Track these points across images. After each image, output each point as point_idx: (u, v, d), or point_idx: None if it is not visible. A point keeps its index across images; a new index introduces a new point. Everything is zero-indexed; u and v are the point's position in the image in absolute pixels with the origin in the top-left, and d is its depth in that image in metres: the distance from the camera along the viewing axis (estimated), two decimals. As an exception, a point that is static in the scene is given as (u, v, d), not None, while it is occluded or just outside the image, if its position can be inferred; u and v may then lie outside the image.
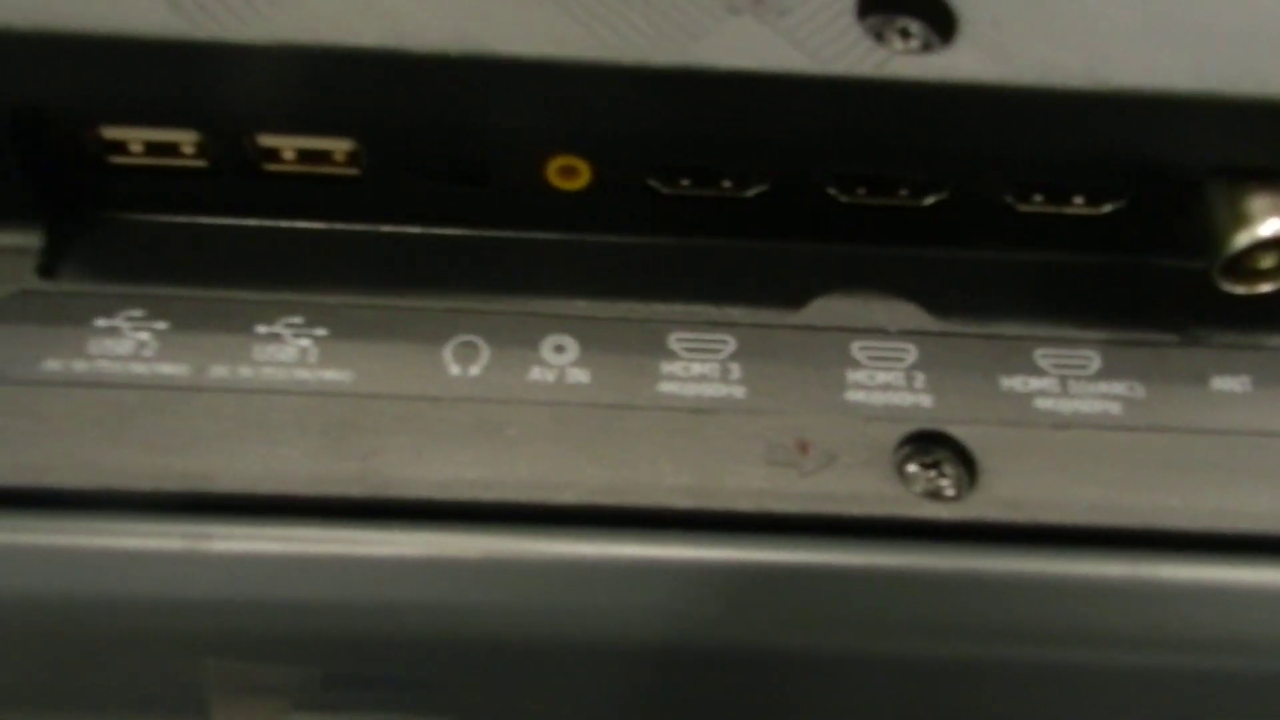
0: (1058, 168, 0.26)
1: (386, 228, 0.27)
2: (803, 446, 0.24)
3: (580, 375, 0.25)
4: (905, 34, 0.25)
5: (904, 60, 0.23)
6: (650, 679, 0.23)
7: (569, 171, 0.26)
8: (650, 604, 0.22)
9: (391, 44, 0.23)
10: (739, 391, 0.25)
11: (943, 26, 0.24)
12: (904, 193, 0.27)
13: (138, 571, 0.22)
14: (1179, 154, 0.25)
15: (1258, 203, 0.25)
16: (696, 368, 0.25)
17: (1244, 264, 0.25)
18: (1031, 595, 0.23)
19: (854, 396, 0.25)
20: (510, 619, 0.22)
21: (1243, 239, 0.25)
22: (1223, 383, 0.26)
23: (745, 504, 0.23)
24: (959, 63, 0.23)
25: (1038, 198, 0.27)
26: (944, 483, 0.24)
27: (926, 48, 0.24)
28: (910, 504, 0.24)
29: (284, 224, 0.27)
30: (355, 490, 0.23)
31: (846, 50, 0.23)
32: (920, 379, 0.26)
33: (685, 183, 0.26)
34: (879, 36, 0.24)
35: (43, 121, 0.24)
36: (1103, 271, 0.27)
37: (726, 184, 0.27)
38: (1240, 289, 0.26)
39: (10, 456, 0.23)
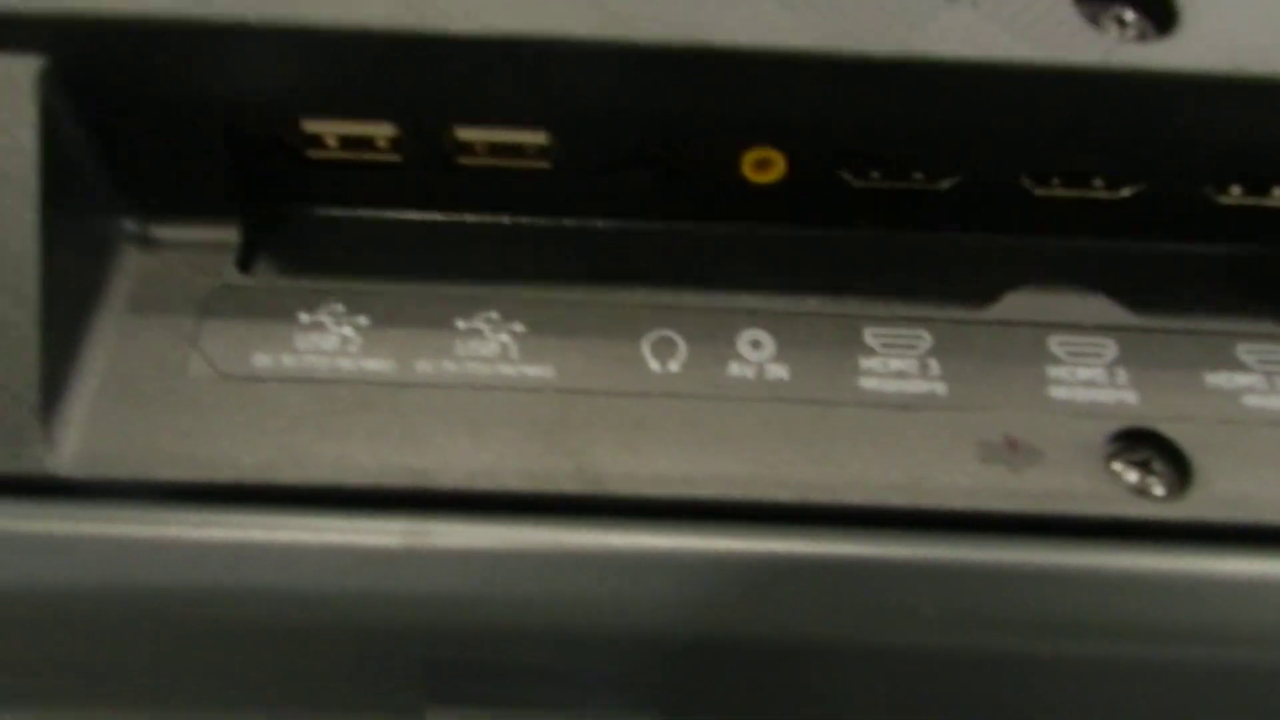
0: (1263, 158, 0.25)
1: (577, 221, 0.27)
2: (1012, 444, 0.24)
3: (779, 371, 0.25)
4: (1121, 22, 0.24)
5: (1131, 49, 0.22)
6: (871, 677, 0.23)
7: (763, 164, 0.26)
8: (869, 602, 0.22)
9: (604, 35, 0.23)
10: (940, 388, 0.25)
11: (1158, 15, 0.24)
12: (1100, 184, 0.26)
13: (356, 567, 0.22)
14: None
15: None
16: (895, 363, 0.25)
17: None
18: (1255, 597, 0.23)
19: (1057, 393, 0.25)
20: (728, 616, 0.22)
21: None
22: None
23: (959, 501, 0.23)
24: (1188, 52, 0.22)
25: (1235, 189, 0.26)
26: (1152, 481, 0.24)
27: (1142, 36, 0.24)
28: (1125, 503, 0.23)
29: (475, 218, 0.27)
30: (571, 487, 0.23)
31: (1069, 39, 0.23)
32: (1122, 375, 0.25)
33: (876, 175, 0.26)
34: (1095, 25, 0.24)
35: (249, 116, 0.24)
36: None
37: (918, 176, 0.26)
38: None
39: (231, 452, 0.23)
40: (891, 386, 0.25)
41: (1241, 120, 0.24)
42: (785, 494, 0.23)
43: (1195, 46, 0.23)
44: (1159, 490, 0.24)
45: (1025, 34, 0.23)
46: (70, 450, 0.23)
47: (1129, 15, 0.24)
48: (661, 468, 0.23)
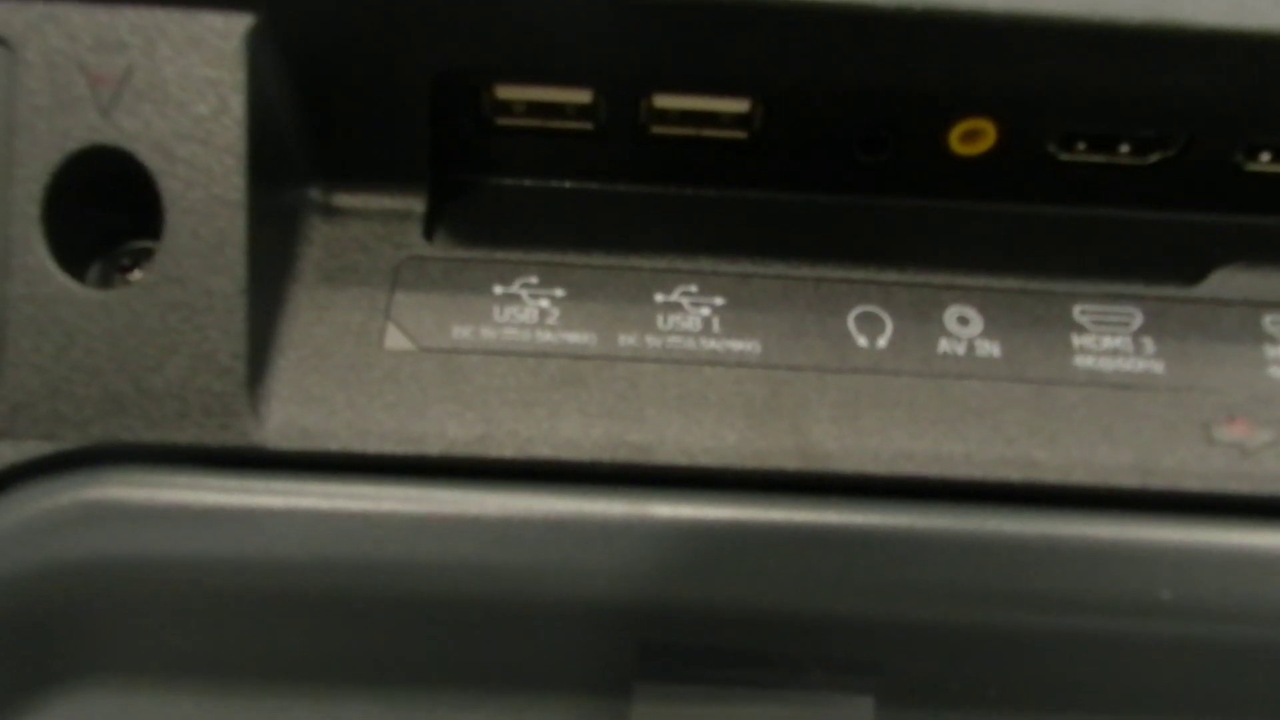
0: None
1: (774, 194, 0.26)
2: (1239, 425, 0.23)
3: (990, 348, 0.24)
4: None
5: None
6: (1109, 661, 0.22)
7: (973, 135, 0.25)
8: (1104, 585, 0.21)
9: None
10: (1157, 366, 0.24)
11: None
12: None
13: (578, 542, 0.21)
14: None
15: None
16: (1108, 341, 0.24)
17: None
18: None
19: (1276, 372, 0.24)
20: (957, 597, 0.21)
21: None
22: None
23: (1193, 483, 0.22)
24: None
25: None
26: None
27: None
28: None
29: (668, 190, 0.26)
30: (794, 464, 0.22)
31: None
32: (1346, 351, 0.24)
33: (1083, 147, 0.25)
34: None
35: (454, 84, 0.24)
36: None
37: (1124, 149, 0.25)
38: None
39: (439, 426, 0.22)
40: (1108, 365, 0.24)
41: None
42: (1015, 474, 0.22)
43: None
44: None
45: (1277, -3, 0.22)
46: (276, 423, 0.22)
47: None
48: (882, 445, 0.22)
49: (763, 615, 0.21)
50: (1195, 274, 0.25)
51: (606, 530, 0.21)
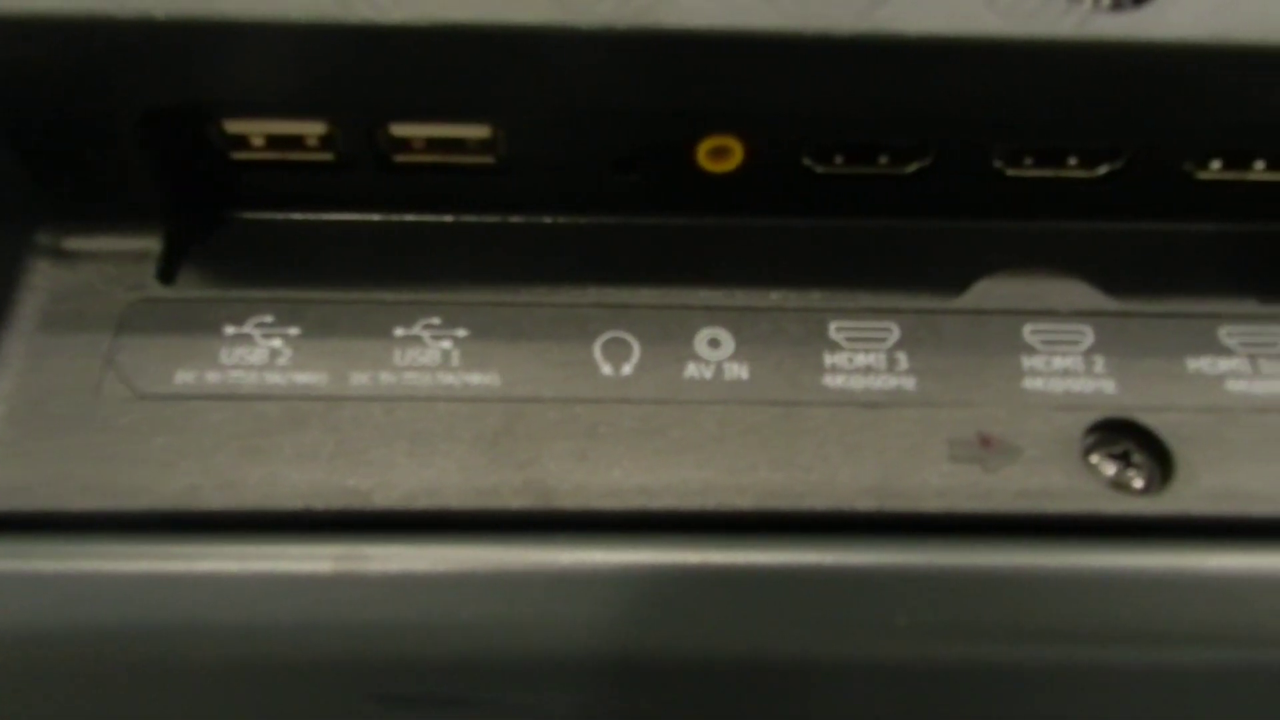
0: (1244, 130, 0.24)
1: (522, 218, 0.25)
2: (985, 440, 0.23)
3: (739, 370, 0.24)
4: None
5: (1105, 19, 0.21)
6: (841, 690, 0.21)
7: (721, 152, 0.24)
8: (836, 614, 0.21)
9: (547, 20, 0.21)
10: (909, 383, 0.24)
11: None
12: (1074, 162, 0.25)
13: (288, 596, 0.20)
14: None
15: None
16: (861, 358, 0.24)
17: None
18: (1242, 593, 0.22)
19: (1032, 384, 0.24)
20: (690, 634, 0.21)
21: None
22: None
23: (932, 504, 0.22)
24: (1163, 21, 0.21)
25: (1215, 164, 0.25)
26: (1132, 474, 0.23)
27: (1117, 6, 0.22)
28: (1103, 498, 0.22)
29: (416, 218, 0.25)
30: (518, 502, 0.21)
31: (1041, 11, 0.21)
32: (1100, 363, 0.24)
33: (840, 160, 0.25)
34: None
35: (168, 118, 0.23)
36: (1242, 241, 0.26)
37: (884, 160, 0.25)
38: None
39: (148, 478, 0.21)
40: (858, 383, 0.24)
41: (1220, 91, 0.22)
42: (746, 501, 0.22)
43: (1170, 15, 0.21)
44: (1138, 483, 0.22)
45: (995, 6, 0.21)
46: (-22, 481, 0.21)
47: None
48: (614, 478, 0.22)
49: (488, 663, 0.21)
50: (959, 285, 0.25)
51: (312, 583, 0.20)
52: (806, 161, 0.25)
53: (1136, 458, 0.23)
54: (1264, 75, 0.22)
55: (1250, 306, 0.25)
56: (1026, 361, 0.24)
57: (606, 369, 0.23)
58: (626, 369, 0.23)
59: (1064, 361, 0.24)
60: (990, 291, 0.25)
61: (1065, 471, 0.22)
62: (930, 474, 0.22)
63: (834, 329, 0.24)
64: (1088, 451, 0.23)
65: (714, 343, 0.24)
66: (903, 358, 0.24)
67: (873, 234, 0.25)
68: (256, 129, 0.24)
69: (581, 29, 0.21)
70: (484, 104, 0.23)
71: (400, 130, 0.24)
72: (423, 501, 0.21)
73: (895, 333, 0.24)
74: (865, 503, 0.22)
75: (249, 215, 0.25)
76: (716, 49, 0.21)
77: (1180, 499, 0.22)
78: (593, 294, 0.24)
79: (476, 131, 0.24)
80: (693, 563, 0.21)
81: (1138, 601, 0.21)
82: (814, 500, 0.22)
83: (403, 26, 0.21)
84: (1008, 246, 0.25)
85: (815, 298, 0.25)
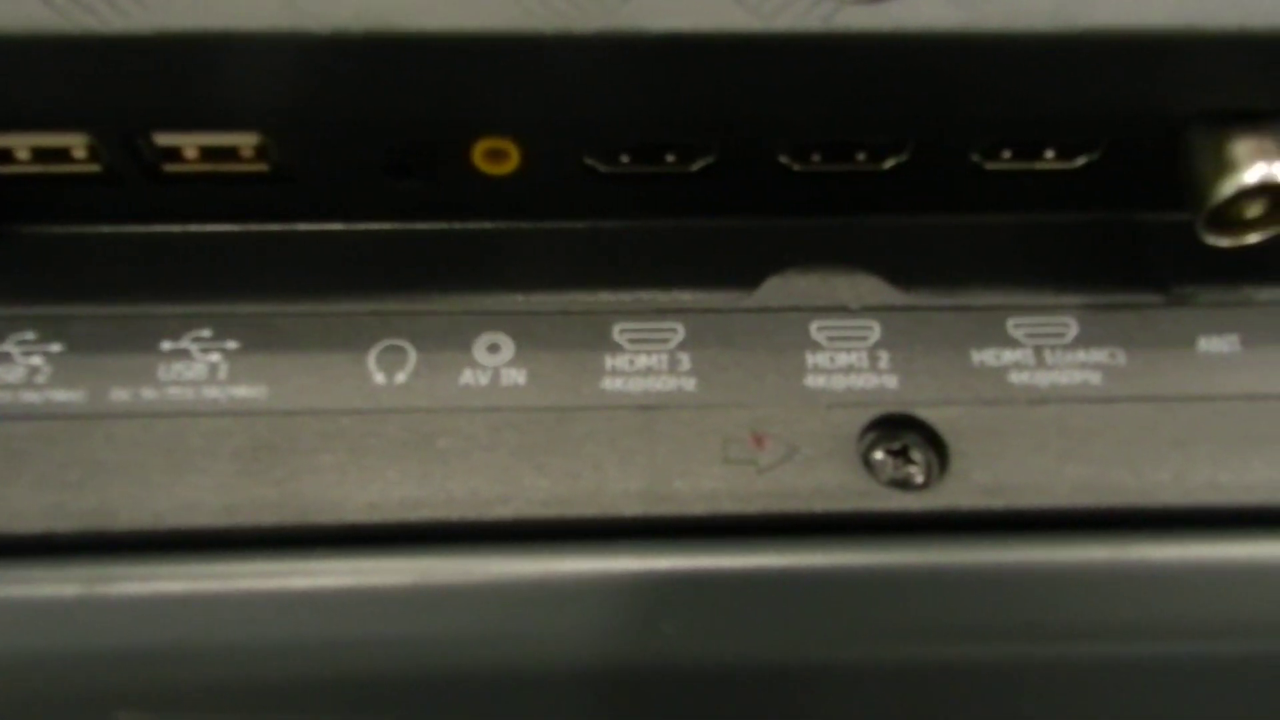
0: (1026, 120, 0.24)
1: (300, 226, 0.25)
2: (759, 440, 0.22)
3: (516, 376, 0.23)
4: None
5: (855, 11, 0.21)
6: (606, 704, 0.21)
7: (497, 155, 0.24)
8: (603, 623, 0.21)
9: (290, 25, 0.21)
10: (689, 384, 0.23)
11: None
12: (862, 157, 0.25)
13: (30, 621, 0.20)
14: (1156, 98, 0.23)
15: (1241, 147, 0.23)
16: (643, 360, 0.24)
17: (1229, 214, 0.23)
18: (1014, 587, 0.21)
19: (814, 381, 0.23)
20: (447, 648, 0.20)
21: (1227, 187, 0.23)
22: (1210, 344, 0.24)
23: (699, 508, 0.22)
24: (916, 9, 0.21)
25: (1006, 154, 0.25)
26: (913, 469, 0.22)
27: None
28: (877, 496, 0.22)
29: (188, 228, 0.25)
30: (270, 519, 0.21)
31: (788, 4, 0.21)
32: (885, 358, 0.24)
33: (625, 159, 0.24)
34: None
35: None
36: (1078, 231, 0.25)
37: (670, 158, 0.25)
38: (1226, 241, 0.24)
39: None
40: (637, 385, 0.23)
41: (987, 80, 0.22)
42: (508, 511, 0.21)
43: (920, 6, 0.21)
44: (920, 479, 0.22)
45: (744, 2, 0.21)
46: None
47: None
48: (376, 492, 0.21)
49: (231, 685, 0.20)
50: (748, 284, 0.25)
51: (56, 608, 0.20)
52: (589, 162, 0.24)
53: (915, 454, 0.23)
54: (1012, 64, 0.21)
55: (1040, 297, 0.25)
56: (811, 359, 0.24)
57: (379, 378, 0.23)
58: (400, 377, 0.23)
59: (848, 358, 0.24)
60: (780, 289, 0.25)
61: (840, 469, 0.22)
62: (701, 476, 0.22)
63: (618, 331, 0.24)
64: (868, 449, 0.23)
65: (494, 348, 0.24)
66: (685, 358, 0.24)
67: (661, 234, 0.25)
68: (20, 142, 0.23)
69: (315, 34, 0.20)
70: (241, 112, 0.23)
71: (164, 140, 0.23)
72: (170, 520, 0.21)
73: (680, 333, 0.24)
74: (631, 508, 0.22)
75: (24, 229, 0.24)
76: (453, 51, 0.21)
77: (951, 494, 0.22)
78: (370, 302, 0.24)
79: (246, 139, 0.23)
80: (453, 576, 0.21)
81: (908, 599, 0.21)
82: (579, 507, 0.21)
83: (142, 35, 0.21)
84: (801, 244, 0.25)
85: (601, 300, 0.24)
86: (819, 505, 0.22)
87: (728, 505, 0.22)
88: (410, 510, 0.21)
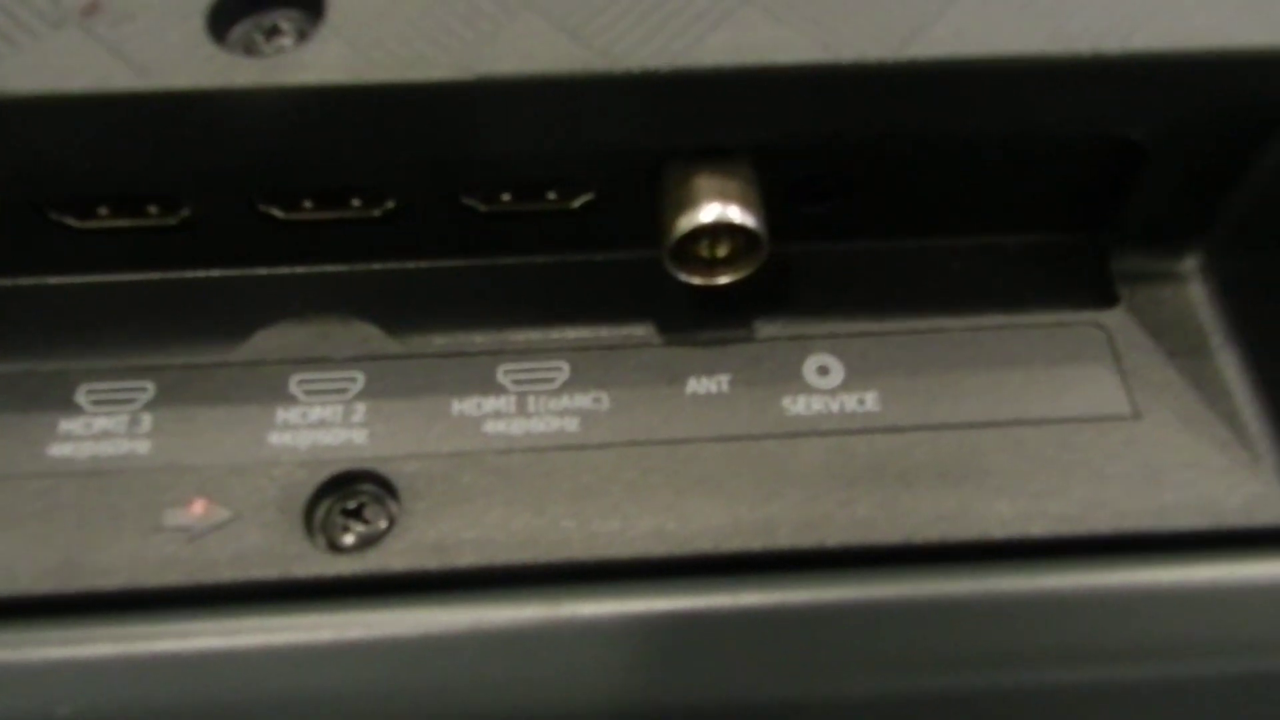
0: (505, 163, 0.23)
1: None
2: (196, 506, 0.22)
3: None
4: (274, 31, 0.22)
5: (255, 64, 0.20)
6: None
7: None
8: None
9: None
10: (143, 446, 0.22)
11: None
12: (356, 203, 0.24)
13: None
14: (617, 135, 0.22)
15: (702, 186, 0.22)
16: (101, 422, 0.23)
17: (696, 253, 0.23)
18: (452, 650, 0.21)
19: (278, 439, 0.23)
20: None
21: (683, 224, 0.22)
22: (699, 384, 0.24)
23: (114, 581, 0.21)
24: (318, 60, 0.20)
25: (506, 196, 0.24)
26: (362, 529, 0.22)
27: (303, 37, 0.21)
28: (311, 560, 0.21)
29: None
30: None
31: (187, 58, 0.20)
32: (361, 410, 0.23)
33: (104, 212, 0.24)
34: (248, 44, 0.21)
35: None
36: (576, 271, 0.25)
37: (152, 210, 0.24)
38: (697, 279, 0.23)
39: None
40: (87, 450, 0.22)
41: (421, 129, 0.21)
42: None
43: (331, 53, 0.20)
44: (353, 540, 0.22)
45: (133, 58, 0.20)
46: None
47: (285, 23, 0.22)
48: None
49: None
50: (241, 336, 0.24)
51: None
52: (67, 218, 0.23)
53: (369, 511, 0.22)
54: (508, 114, 0.21)
55: (536, 341, 0.24)
56: (282, 414, 0.23)
57: None
58: None
59: (323, 412, 0.23)
60: (268, 341, 0.24)
61: (282, 533, 0.21)
62: (128, 546, 0.21)
63: (81, 393, 0.23)
64: (323, 508, 0.22)
65: None
66: (148, 418, 0.23)
67: (138, 289, 0.24)
68: None
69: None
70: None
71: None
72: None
73: (150, 391, 0.23)
74: (48, 585, 0.21)
75: None
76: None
77: (383, 556, 0.21)
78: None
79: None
80: None
81: (330, 674, 0.20)
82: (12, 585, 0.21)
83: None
84: (296, 294, 0.24)
85: (63, 358, 0.23)
86: (239, 574, 0.21)
87: (144, 578, 0.21)
88: None
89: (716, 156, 0.23)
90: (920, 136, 0.23)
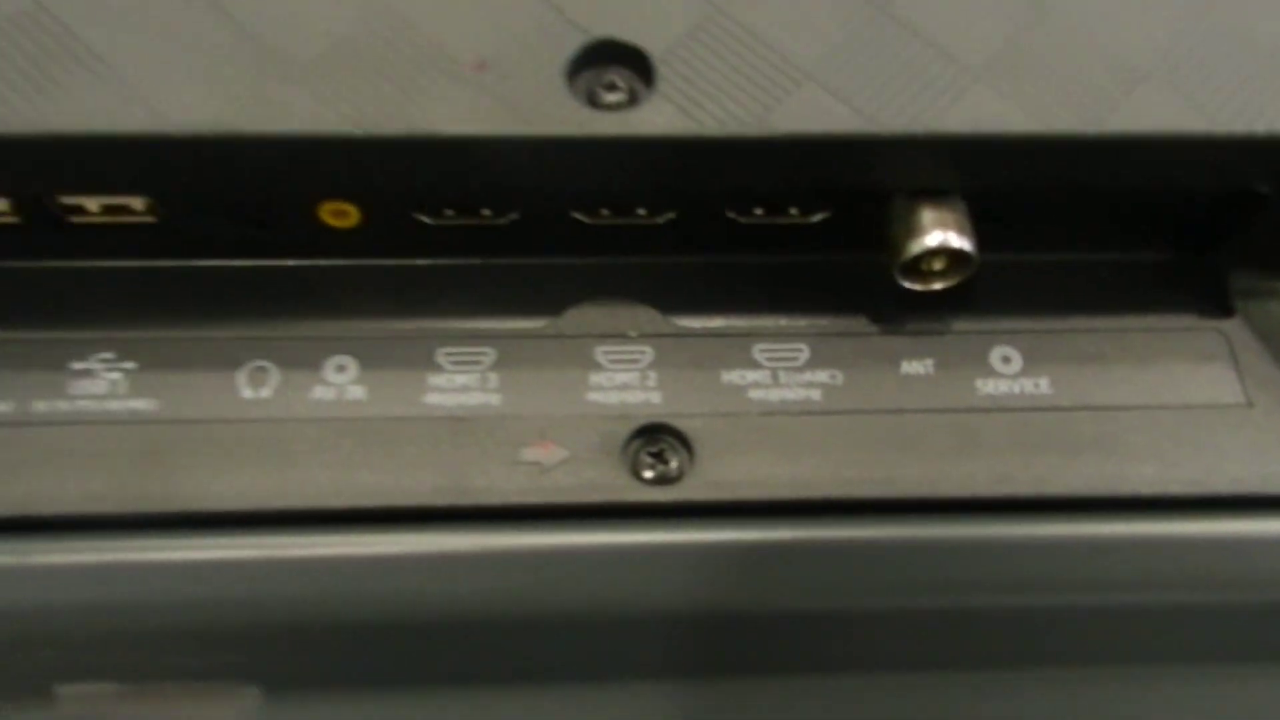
0: (770, 193, 0.30)
1: (184, 264, 0.30)
2: (543, 446, 0.29)
3: (359, 392, 0.29)
4: (612, 87, 0.28)
5: (607, 117, 0.27)
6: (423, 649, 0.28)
7: (341, 214, 0.30)
8: (409, 590, 0.27)
9: (155, 129, 0.26)
10: (495, 399, 0.29)
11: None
12: (641, 212, 0.31)
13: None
14: (865, 179, 0.29)
15: (928, 217, 0.29)
16: (460, 379, 0.30)
17: (919, 266, 0.30)
18: (741, 566, 0.28)
19: (594, 397, 0.30)
20: (287, 607, 0.27)
21: (914, 247, 0.29)
22: (910, 366, 0.31)
23: (492, 499, 0.28)
24: (654, 118, 0.27)
25: (758, 211, 0.31)
26: (663, 469, 0.29)
27: (633, 99, 0.28)
28: (633, 489, 0.28)
29: (91, 264, 0.30)
30: (156, 507, 0.27)
31: (554, 109, 0.27)
32: (653, 377, 0.30)
33: (451, 214, 0.30)
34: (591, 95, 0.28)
35: None
36: (814, 271, 0.32)
37: (486, 213, 0.30)
38: (918, 287, 0.30)
39: None
40: (454, 400, 0.29)
41: (729, 169, 0.28)
42: (339, 501, 0.28)
43: (661, 112, 0.27)
44: (666, 476, 0.29)
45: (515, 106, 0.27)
46: None
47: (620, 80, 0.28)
48: (241, 485, 0.28)
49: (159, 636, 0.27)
50: (551, 313, 0.31)
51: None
52: (421, 216, 0.30)
53: (670, 456, 0.29)
54: (741, 160, 0.28)
55: (781, 327, 0.31)
56: (594, 378, 0.30)
57: (247, 393, 0.29)
58: (265, 392, 0.29)
59: (625, 377, 0.30)
60: (575, 319, 0.31)
61: (608, 469, 0.29)
62: (495, 475, 0.28)
63: (441, 354, 0.30)
64: (633, 451, 0.29)
65: (341, 368, 0.30)
66: (494, 377, 0.30)
67: (479, 271, 0.31)
68: None
69: (175, 136, 0.26)
70: (128, 184, 0.28)
71: (68, 200, 0.29)
72: (82, 507, 0.27)
73: (491, 355, 0.30)
74: (440, 499, 0.28)
75: None
76: (291, 149, 0.27)
77: (690, 489, 0.28)
78: (240, 329, 0.30)
79: (136, 202, 0.29)
80: (294, 552, 0.27)
81: (650, 574, 0.28)
82: (397, 499, 0.28)
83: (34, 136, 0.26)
84: (594, 281, 0.31)
85: (428, 327, 0.30)
86: (586, 498, 0.28)
87: (514, 498, 0.28)
88: (266, 500, 0.27)
89: (934, 194, 0.29)
90: (1093, 187, 0.29)
